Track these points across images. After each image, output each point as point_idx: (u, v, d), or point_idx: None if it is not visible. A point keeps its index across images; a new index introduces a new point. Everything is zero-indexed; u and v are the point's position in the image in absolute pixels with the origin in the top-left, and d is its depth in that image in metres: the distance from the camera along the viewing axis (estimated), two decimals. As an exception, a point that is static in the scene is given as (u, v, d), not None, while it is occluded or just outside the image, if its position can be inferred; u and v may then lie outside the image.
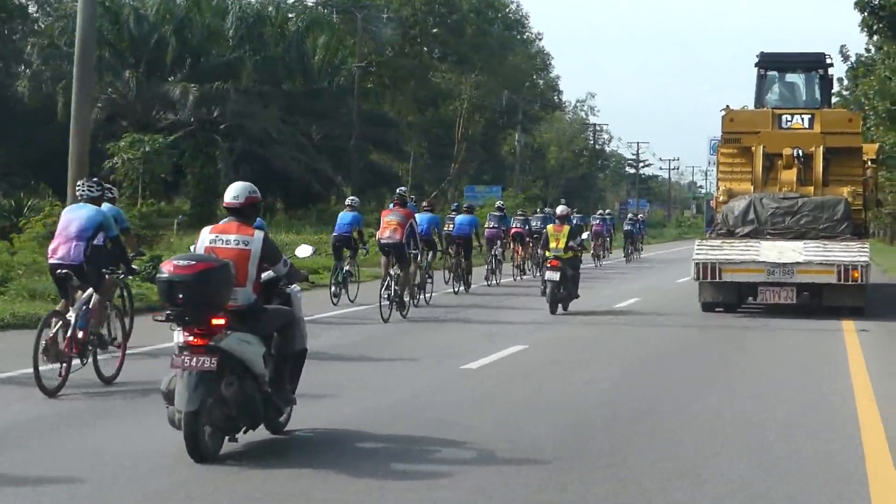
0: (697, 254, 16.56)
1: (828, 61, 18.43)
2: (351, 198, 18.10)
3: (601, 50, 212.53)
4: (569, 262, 16.36)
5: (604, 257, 34.25)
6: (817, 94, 18.45)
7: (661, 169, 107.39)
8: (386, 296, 14.80)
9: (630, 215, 39.93)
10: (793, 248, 16.27)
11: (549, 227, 16.88)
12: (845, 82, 42.23)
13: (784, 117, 17.78)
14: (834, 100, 40.69)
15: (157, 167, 34.97)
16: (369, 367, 10.91)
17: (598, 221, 35.30)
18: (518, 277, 23.92)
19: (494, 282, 22.34)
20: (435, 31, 65.94)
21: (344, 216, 17.25)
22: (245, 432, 6.82)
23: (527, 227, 25.30)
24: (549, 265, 16.25)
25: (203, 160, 43.48)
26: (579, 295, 16.89)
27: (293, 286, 7.38)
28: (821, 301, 16.51)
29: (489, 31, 67.67)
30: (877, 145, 20.26)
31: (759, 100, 18.42)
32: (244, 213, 7.11)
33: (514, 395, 9.36)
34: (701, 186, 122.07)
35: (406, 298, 15.27)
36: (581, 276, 17.71)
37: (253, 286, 6.91)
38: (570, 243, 16.46)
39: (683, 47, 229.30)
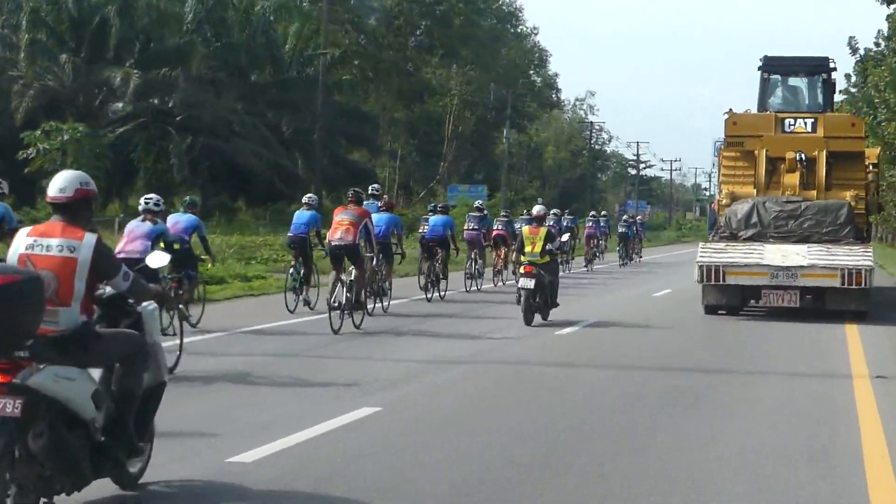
0: (701, 256, 16.80)
1: (831, 65, 18.72)
2: (308, 196, 16.65)
3: (602, 49, 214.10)
4: (546, 268, 15.22)
5: (595, 261, 33.24)
6: (820, 98, 18.79)
7: (662, 170, 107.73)
8: (336, 304, 13.53)
9: (625, 217, 38.80)
10: (797, 252, 16.58)
11: (525, 228, 15.74)
12: (853, 78, 42.03)
13: (787, 121, 18.07)
14: (842, 97, 41.08)
15: (80, 160, 31.71)
16: (274, 393, 9.21)
17: (590, 223, 33.92)
18: (499, 283, 22.36)
19: (475, 287, 21.11)
20: (422, 22, 63.59)
21: (300, 215, 15.93)
22: (70, 493, 5.41)
23: (510, 230, 24.04)
24: (522, 271, 15.09)
25: (156, 154, 40.55)
26: (558, 304, 15.76)
27: (146, 304, 6.05)
28: (824, 304, 16.70)
29: (478, 23, 65.46)
30: (878, 149, 20.40)
31: (762, 103, 18.76)
32: (73, 211, 5.63)
33: (439, 436, 7.68)
34: (705, 189, 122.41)
35: (360, 307, 14.06)
36: (569, 283, 17.30)
37: (81, 305, 5.50)
38: (548, 247, 15.29)
39: (686, 47, 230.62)
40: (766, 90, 18.82)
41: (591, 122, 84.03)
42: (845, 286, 16.09)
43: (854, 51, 39.25)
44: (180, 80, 40.55)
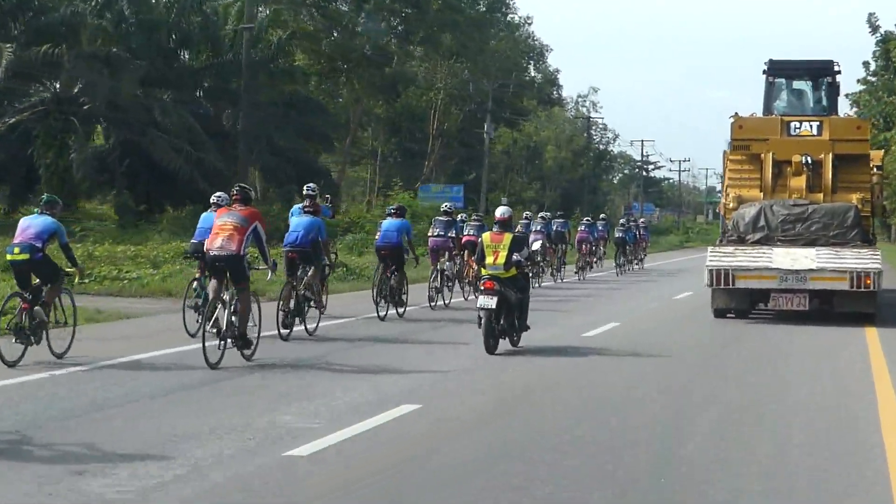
0: (710, 260, 17.38)
1: (836, 69, 19.18)
2: (217, 195, 13.89)
3: (607, 44, 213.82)
4: (511, 283, 13.02)
5: (590, 269, 30.96)
6: (825, 101, 19.55)
7: (670, 171, 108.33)
8: (214, 331, 11.37)
9: (623, 220, 36.83)
10: (805, 255, 17.32)
11: (485, 235, 13.47)
12: (872, 66, 41.56)
13: (793, 124, 18.72)
14: (861, 87, 40.85)
15: None
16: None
17: (583, 228, 31.39)
18: (471, 296, 19.92)
19: (441, 303, 19.10)
20: (396, 6, 57.68)
21: (206, 219, 13.43)
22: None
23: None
24: (482, 287, 13.10)
25: (58, 149, 35.47)
26: (529, 326, 13.46)
27: None
28: (832, 307, 17.06)
29: (458, 8, 60.18)
30: (882, 152, 20.79)
31: (768, 107, 19.46)
32: None
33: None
34: (720, 191, 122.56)
35: (252, 334, 11.76)
36: (552, 295, 17.53)
37: None
38: (515, 257, 13.06)
39: (700, 49, 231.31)
40: (771, 94, 19.55)
41: (589, 118, 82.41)
42: (854, 289, 16.55)
43: (874, 29, 38.92)
44: (66, 58, 34.93)
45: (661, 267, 38.89)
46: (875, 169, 19.59)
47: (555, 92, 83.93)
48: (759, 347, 14.39)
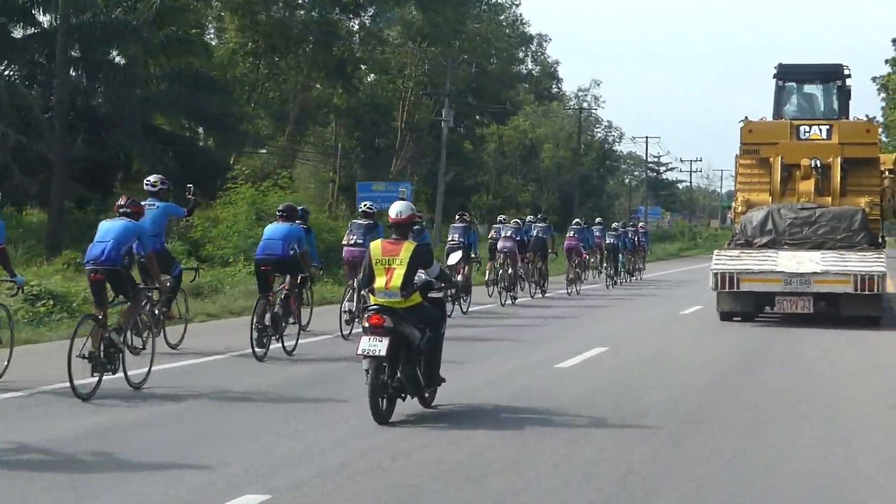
0: (716, 264, 19.83)
1: (845, 72, 21.76)
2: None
3: (614, 39, 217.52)
4: (414, 316, 10.03)
5: (580, 282, 29.73)
6: (835, 105, 22.11)
7: (680, 171, 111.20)
8: (88, 357, 10.99)
9: (616, 224, 36.26)
10: (810, 258, 19.69)
11: (373, 245, 10.21)
12: None
13: (802, 128, 21.29)
14: (889, 70, 42.86)
15: None
16: None
17: (571, 234, 30.19)
18: None
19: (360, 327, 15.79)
20: None
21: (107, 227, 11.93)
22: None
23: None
24: (367, 323, 9.86)
25: None
26: (444, 379, 10.55)
27: None
28: (838, 311, 19.49)
29: None
30: (893, 155, 23.42)
31: (778, 111, 22.02)
32: None
33: None
34: (734, 194, 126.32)
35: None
36: (525, 316, 19.57)
37: None
38: (420, 276, 10.15)
39: (720, 50, 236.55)
40: (781, 98, 22.17)
41: (581, 109, 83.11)
42: (858, 292, 19.04)
43: None
44: None
45: (663, 278, 38.91)
46: (887, 172, 22.27)
47: (554, 86, 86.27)
48: (809, 391, 12.39)
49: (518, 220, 26.87)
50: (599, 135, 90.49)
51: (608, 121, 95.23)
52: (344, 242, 18.01)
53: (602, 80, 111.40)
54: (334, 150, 60.23)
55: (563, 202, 77.87)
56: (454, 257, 13.95)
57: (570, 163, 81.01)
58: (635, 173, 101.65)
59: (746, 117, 21.87)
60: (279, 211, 15.55)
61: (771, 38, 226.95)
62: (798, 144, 21.38)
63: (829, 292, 19.56)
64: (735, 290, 19.73)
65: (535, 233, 27.05)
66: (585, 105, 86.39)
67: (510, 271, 24.30)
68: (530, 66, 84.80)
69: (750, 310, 20.38)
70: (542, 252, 26.86)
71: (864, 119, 22.37)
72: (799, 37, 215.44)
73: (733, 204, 22.26)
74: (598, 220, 37.44)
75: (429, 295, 10.42)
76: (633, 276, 36.43)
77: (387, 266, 10.03)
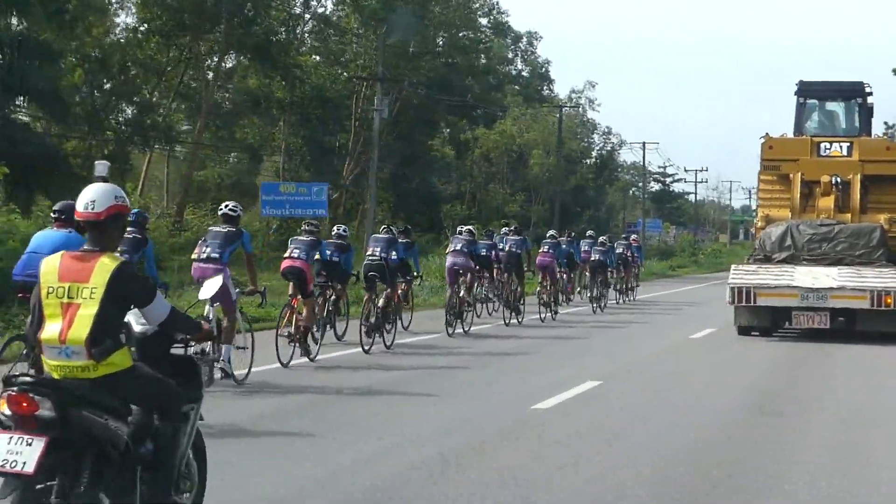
0: (733, 278, 22.61)
1: (867, 90, 24.74)
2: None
3: (611, 38, 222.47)
4: (118, 394, 6.80)
5: (556, 306, 28.33)
6: (856, 122, 24.99)
7: (685, 182, 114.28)
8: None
9: (602, 238, 35.27)
10: (827, 274, 22.50)
11: (46, 263, 6.89)
12: None
13: (823, 145, 24.22)
14: None
15: None
16: None
17: (546, 248, 28.42)
18: (310, 356, 17.38)
19: (306, 357, 17.16)
20: None
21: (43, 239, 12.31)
22: None
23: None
24: (7, 407, 6.43)
25: None
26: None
27: None
28: (854, 326, 22.33)
29: None
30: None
31: (799, 128, 24.99)
32: None
33: None
34: (755, 210, 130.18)
35: None
36: (475, 350, 19.49)
37: None
38: (137, 328, 7.20)
39: (738, 67, 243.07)
40: (802, 115, 25.19)
41: (560, 106, 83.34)
42: (874, 307, 21.91)
43: None
44: None
45: (659, 299, 39.07)
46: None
47: (545, 87, 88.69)
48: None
49: (471, 230, 25.13)
50: (597, 141, 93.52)
51: (607, 126, 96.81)
52: (286, 256, 18.00)
53: (598, 81, 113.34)
54: (280, 151, 59.40)
55: (555, 214, 77.73)
56: (211, 286, 8.30)
57: (561, 171, 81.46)
58: (639, 184, 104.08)
59: (767, 134, 24.86)
60: (54, 211, 12.60)
61: (781, 46, 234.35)
62: (818, 161, 24.32)
63: (845, 308, 22.47)
64: (752, 304, 22.58)
65: (506, 246, 26.15)
66: (579, 108, 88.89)
67: (461, 293, 23.01)
68: (520, 67, 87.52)
69: (767, 324, 23.22)
70: (516, 269, 25.69)
71: (885, 137, 25.37)
72: (805, 41, 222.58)
73: (755, 219, 25.21)
74: (588, 233, 36.90)
75: (171, 351, 7.39)
76: (626, 297, 36.58)
77: (62, 305, 6.68)
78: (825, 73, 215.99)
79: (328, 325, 19.09)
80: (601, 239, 34.84)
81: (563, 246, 30.92)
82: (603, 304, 32.27)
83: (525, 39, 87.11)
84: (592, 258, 32.79)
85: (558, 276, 29.16)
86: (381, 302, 19.48)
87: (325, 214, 42.96)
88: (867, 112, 25.48)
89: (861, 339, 22.61)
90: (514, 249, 26.06)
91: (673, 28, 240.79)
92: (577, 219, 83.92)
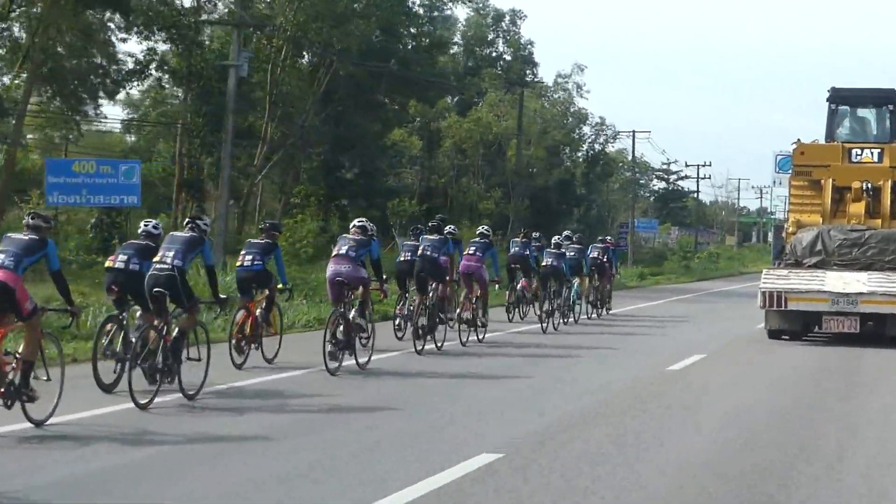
0: (764, 282, 26.91)
1: (899, 97, 29.19)
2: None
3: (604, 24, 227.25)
4: None
5: (485, 322, 26.76)
6: (888, 129, 29.73)
7: (688, 178, 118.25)
8: None
9: (556, 238, 32.77)
10: (857, 279, 26.73)
11: None
12: None
13: (854, 151, 28.77)
14: None
15: None
16: None
17: (472, 249, 27.16)
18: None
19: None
20: None
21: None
22: None
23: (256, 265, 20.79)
24: None
25: None
26: None
27: None
28: (884, 331, 26.64)
29: None
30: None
31: (830, 134, 29.55)
32: None
33: None
34: (772, 212, 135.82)
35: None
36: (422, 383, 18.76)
37: None
38: None
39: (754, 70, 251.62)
40: (833, 121, 29.64)
41: (523, 84, 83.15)
42: (904, 313, 26.17)
43: None
44: None
45: (642, 313, 39.07)
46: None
47: (529, 72, 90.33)
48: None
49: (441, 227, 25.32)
50: (589, 133, 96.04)
51: (600, 117, 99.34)
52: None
53: (587, 65, 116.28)
54: (176, 130, 58.52)
55: (538, 212, 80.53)
56: None
57: (544, 163, 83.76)
58: (641, 181, 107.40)
59: (799, 140, 29.31)
60: None
61: (793, 41, 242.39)
62: (849, 167, 28.67)
63: (875, 312, 26.55)
64: (783, 308, 26.76)
65: (427, 251, 24.68)
66: (565, 93, 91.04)
67: (352, 314, 20.86)
68: (501, 49, 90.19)
69: (797, 328, 27.39)
70: (434, 279, 24.39)
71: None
72: (819, 40, 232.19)
73: (785, 224, 29.51)
74: (565, 233, 35.55)
75: None
76: (599, 310, 36.11)
77: None
78: (835, 71, 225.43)
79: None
80: (555, 239, 32.43)
81: (517, 248, 31.90)
82: (556, 322, 30.56)
83: (508, 18, 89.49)
84: (545, 263, 31.20)
85: (490, 285, 27.83)
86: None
87: (136, 203, 39.84)
88: (898, 118, 29.90)
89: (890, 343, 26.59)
90: (433, 253, 24.10)
91: (675, 18, 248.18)
92: (565, 218, 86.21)
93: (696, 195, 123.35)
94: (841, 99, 29.97)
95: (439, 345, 24.06)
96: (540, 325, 29.67)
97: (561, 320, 31.35)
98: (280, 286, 21.43)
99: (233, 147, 51.18)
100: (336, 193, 66.04)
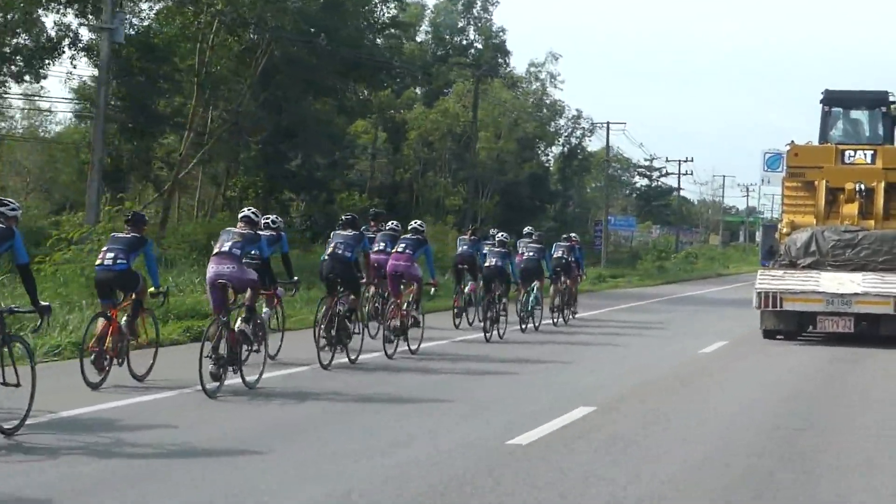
0: (760, 283, 29.25)
1: (891, 99, 31.88)
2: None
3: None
4: None
5: (467, 322, 29.59)
6: (880, 131, 32.14)
7: (668, 173, 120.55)
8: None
9: (501, 235, 31.56)
10: (851, 280, 29.10)
11: None
12: None
13: (847, 153, 31.25)
14: None
15: None
16: None
17: (402, 248, 25.43)
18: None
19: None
20: None
21: None
22: None
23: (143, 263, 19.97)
24: None
25: None
26: None
27: None
28: (878, 331, 29.00)
29: None
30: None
31: (824, 136, 31.92)
32: None
33: None
34: (761, 212, 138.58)
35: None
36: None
37: None
38: None
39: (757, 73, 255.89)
40: (826, 123, 32.11)
41: (478, 66, 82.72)
42: (896, 313, 28.51)
43: None
44: None
45: (607, 317, 38.63)
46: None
47: (501, 61, 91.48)
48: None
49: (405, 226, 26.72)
50: (565, 126, 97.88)
51: (577, 110, 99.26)
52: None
53: (561, 54, 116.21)
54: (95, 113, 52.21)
55: (509, 209, 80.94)
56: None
57: (515, 157, 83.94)
58: (625, 179, 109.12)
59: (793, 141, 31.73)
60: None
61: (780, 37, 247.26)
62: (842, 169, 31.03)
63: (869, 313, 28.81)
64: (778, 308, 29.06)
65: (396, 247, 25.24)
66: (539, 83, 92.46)
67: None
68: (472, 37, 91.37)
69: (792, 328, 29.75)
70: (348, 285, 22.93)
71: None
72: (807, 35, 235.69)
73: (779, 224, 31.83)
74: (525, 230, 35.36)
75: None
76: (564, 316, 35.29)
77: None
78: (822, 66, 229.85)
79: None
80: (500, 236, 31.25)
81: (465, 247, 31.83)
82: (502, 330, 29.35)
83: (479, 4, 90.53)
84: (487, 264, 30.04)
85: (426, 287, 26.57)
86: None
87: None
88: (891, 121, 32.23)
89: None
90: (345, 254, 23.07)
91: (655, 12, 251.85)
92: (539, 215, 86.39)
93: (678, 191, 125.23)
94: (834, 101, 32.41)
95: (353, 357, 22.51)
96: (483, 333, 28.56)
97: (520, 326, 30.97)
98: (152, 289, 19.48)
99: (156, 133, 53.02)
100: (277, 186, 64.49)
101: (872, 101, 32.56)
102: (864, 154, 31.31)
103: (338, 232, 23.15)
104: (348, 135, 72.75)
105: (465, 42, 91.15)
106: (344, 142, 70.58)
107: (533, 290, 32.08)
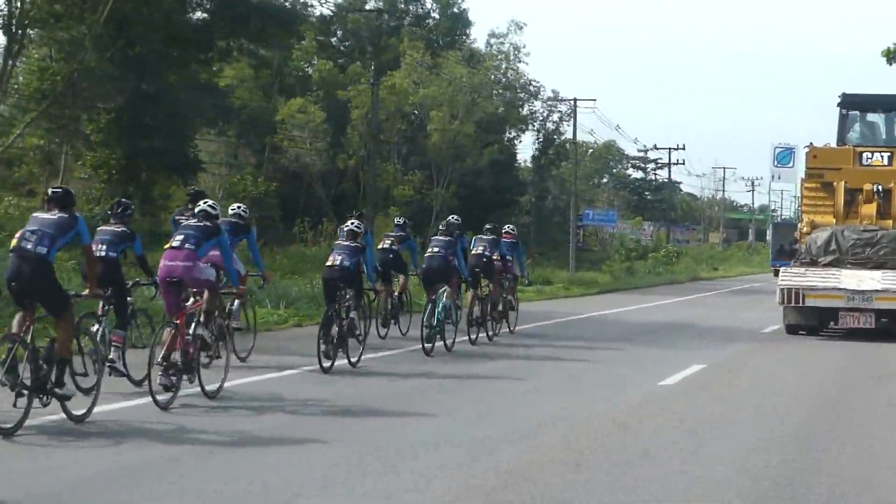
0: (783, 280, 35.52)
1: (908, 102, 38.36)
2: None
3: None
4: None
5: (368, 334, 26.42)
6: None
7: (660, 163, 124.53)
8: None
9: (399, 224, 33.22)
10: (871, 277, 35.24)
11: None
12: None
13: (865, 155, 37.82)
14: None
15: None
16: None
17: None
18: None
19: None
20: None
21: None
22: None
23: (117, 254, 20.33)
24: None
25: None
26: None
27: None
28: (897, 326, 35.55)
29: None
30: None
31: (842, 138, 38.70)
32: None
33: None
34: (774, 210, 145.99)
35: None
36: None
37: None
38: None
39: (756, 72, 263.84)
40: (844, 125, 38.65)
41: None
42: (915, 309, 34.91)
43: None
44: None
45: (551, 331, 36.70)
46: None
47: (460, 33, 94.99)
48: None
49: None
50: (541, 109, 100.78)
51: (553, 90, 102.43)
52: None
53: (527, 23, 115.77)
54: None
55: (471, 201, 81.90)
56: None
57: (473, 142, 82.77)
58: (613, 170, 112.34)
59: (811, 143, 38.23)
60: None
61: (777, 33, 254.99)
62: (860, 170, 37.23)
63: (889, 309, 34.88)
64: (800, 304, 35.17)
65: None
66: (501, 56, 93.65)
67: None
68: (428, 6, 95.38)
69: (814, 324, 35.95)
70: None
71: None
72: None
73: (799, 224, 38.11)
74: (486, 226, 33.63)
75: None
76: (491, 329, 32.25)
77: None
78: (823, 63, 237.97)
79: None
80: (399, 221, 33.18)
81: (387, 243, 31.93)
82: (359, 353, 25.10)
83: None
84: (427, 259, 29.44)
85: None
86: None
87: None
88: (907, 123, 38.71)
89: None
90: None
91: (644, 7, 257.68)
92: (506, 208, 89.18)
93: (677, 184, 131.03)
94: (852, 104, 38.69)
95: (353, 360, 24.04)
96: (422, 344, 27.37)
97: (422, 346, 27.35)
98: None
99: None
100: (136, 164, 57.66)
101: (889, 104, 38.71)
102: (882, 156, 37.43)
103: (339, 242, 24.74)
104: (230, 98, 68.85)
105: (420, 11, 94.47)
106: (230, 113, 66.67)
107: (441, 297, 28.67)
